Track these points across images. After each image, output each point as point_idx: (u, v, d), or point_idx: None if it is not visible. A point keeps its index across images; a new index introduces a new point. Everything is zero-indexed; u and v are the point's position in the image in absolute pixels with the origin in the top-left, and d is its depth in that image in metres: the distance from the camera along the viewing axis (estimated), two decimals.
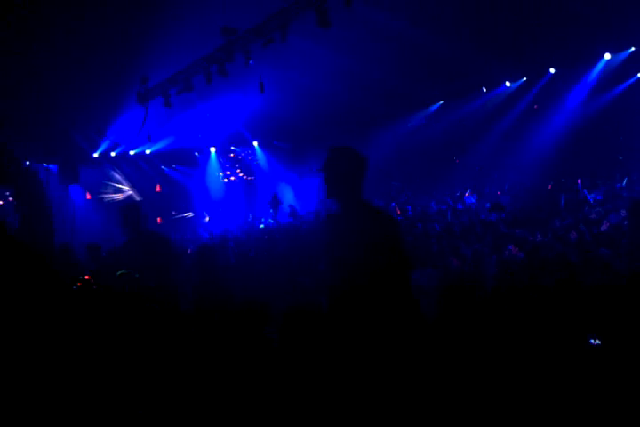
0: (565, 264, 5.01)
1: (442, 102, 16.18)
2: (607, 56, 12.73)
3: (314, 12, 6.85)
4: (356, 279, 3.24)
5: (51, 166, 14.88)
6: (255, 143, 18.33)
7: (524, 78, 14.41)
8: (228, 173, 18.54)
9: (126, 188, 16.81)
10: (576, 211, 8.78)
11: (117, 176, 16.64)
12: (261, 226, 15.19)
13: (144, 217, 5.05)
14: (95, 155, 15.22)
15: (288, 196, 18.24)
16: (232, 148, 18.42)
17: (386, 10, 9.49)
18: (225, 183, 18.47)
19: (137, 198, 16.10)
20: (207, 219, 16.64)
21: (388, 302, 3.23)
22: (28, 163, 14.64)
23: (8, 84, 9.97)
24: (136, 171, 16.86)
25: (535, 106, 14.86)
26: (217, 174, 18.45)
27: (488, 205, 11.86)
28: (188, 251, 10.59)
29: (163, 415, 2.92)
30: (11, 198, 7.09)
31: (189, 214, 16.80)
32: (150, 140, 12.08)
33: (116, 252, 5.62)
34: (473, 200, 12.90)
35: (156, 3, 8.40)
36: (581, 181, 11.10)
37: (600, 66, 13.17)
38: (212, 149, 18.10)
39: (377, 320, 3.28)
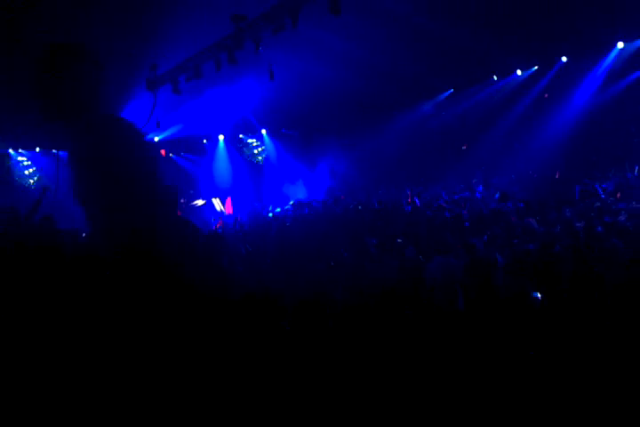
0: (578, 255, 4.99)
1: (452, 91, 16.04)
2: (620, 45, 12.54)
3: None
4: None
5: (61, 153, 14.90)
6: (263, 131, 18.28)
7: (536, 67, 14.24)
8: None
9: None
10: (588, 201, 8.71)
11: None
12: (270, 214, 15.20)
13: (177, 201, 5.02)
14: None
15: (297, 184, 18.21)
16: (240, 135, 18.37)
17: None
18: (232, 171, 18.43)
19: None
20: (218, 208, 16.63)
21: None
22: (38, 150, 14.75)
23: (17, 68, 9.97)
24: None
25: (546, 95, 14.69)
26: (225, 162, 18.41)
27: (497, 195, 11.81)
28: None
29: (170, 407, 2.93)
30: None
31: (201, 202, 16.79)
32: (159, 127, 12.07)
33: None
34: (480, 190, 12.81)
35: None
36: (592, 172, 11.03)
37: (613, 54, 12.99)
38: (221, 137, 18.07)
39: None
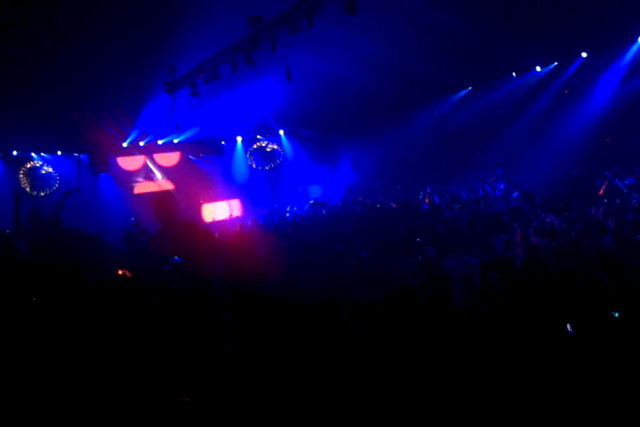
0: (600, 252, 4.92)
1: (470, 88, 15.91)
2: None
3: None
4: None
5: (82, 156, 15.13)
6: (281, 132, 18.33)
7: (556, 63, 14.06)
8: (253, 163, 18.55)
9: (159, 176, 17.00)
10: (611, 198, 8.58)
11: (148, 165, 16.85)
12: (287, 215, 15.25)
13: (177, 206, 5.10)
14: (124, 144, 15.43)
15: (314, 185, 18.25)
16: (258, 136, 18.44)
17: None
18: (250, 172, 18.51)
19: (169, 187, 16.27)
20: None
21: None
22: (59, 153, 14.97)
23: (39, 74, 10.15)
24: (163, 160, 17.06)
25: (566, 90, 14.50)
26: (243, 163, 18.51)
27: (516, 193, 11.70)
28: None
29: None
30: None
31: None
32: (178, 130, 12.18)
33: (152, 239, 5.70)
34: (501, 188, 12.70)
35: None
36: (614, 168, 10.85)
37: (634, 49, 12.76)
38: (239, 139, 18.17)
39: None
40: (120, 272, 4.68)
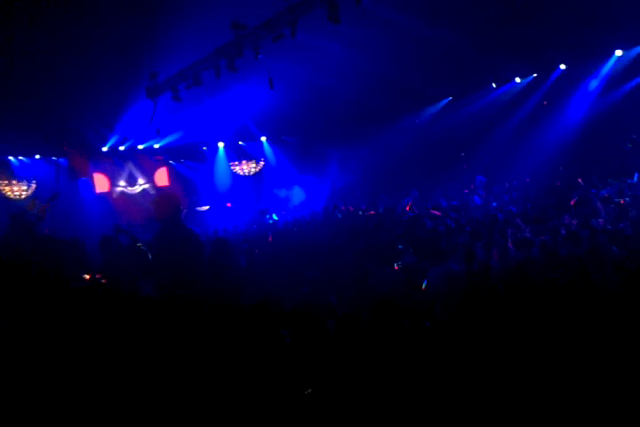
0: (577, 263, 4.99)
1: (450, 98, 16.10)
2: (618, 53, 12.60)
3: (324, 8, 6.84)
4: None
5: (60, 160, 14.95)
6: (263, 138, 18.33)
7: (535, 74, 14.30)
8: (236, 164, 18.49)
9: (141, 181, 16.87)
10: (586, 208, 8.73)
11: (131, 169, 16.71)
12: (270, 222, 15.20)
13: (180, 210, 5.03)
14: (104, 149, 15.28)
15: (297, 191, 18.24)
16: (240, 142, 18.42)
17: (395, 6, 9.44)
18: (232, 178, 18.47)
19: (151, 192, 16.16)
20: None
21: None
22: (38, 157, 14.76)
23: (18, 77, 10.02)
24: (144, 165, 16.94)
25: (544, 102, 14.75)
26: (225, 169, 18.46)
27: (495, 204, 11.85)
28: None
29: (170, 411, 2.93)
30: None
31: (206, 208, 16.84)
32: (159, 135, 12.11)
33: (150, 242, 5.63)
34: (478, 201, 12.79)
35: None
36: (588, 179, 11.07)
37: (611, 62, 13.04)
38: (221, 144, 18.12)
39: None
40: (87, 277, 4.57)
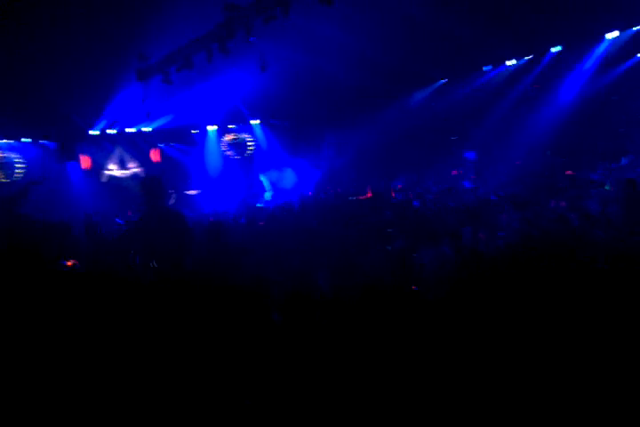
0: (563, 245, 5.05)
1: (444, 81, 16.03)
2: (611, 35, 12.55)
3: None
4: None
5: (48, 143, 14.77)
6: (254, 121, 18.21)
7: (528, 57, 14.24)
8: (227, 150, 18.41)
9: (131, 164, 16.74)
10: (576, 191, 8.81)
11: (121, 153, 16.57)
12: (258, 205, 15.20)
13: (165, 192, 5.04)
14: (92, 132, 15.11)
15: (288, 174, 18.17)
16: (230, 126, 18.29)
17: None
18: (223, 162, 18.37)
19: (141, 175, 16.05)
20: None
21: None
22: (24, 140, 14.57)
23: (4, 59, 9.85)
24: (134, 148, 16.80)
25: (536, 85, 14.72)
26: (215, 152, 18.34)
27: (482, 189, 11.91)
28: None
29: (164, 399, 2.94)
30: None
31: (196, 192, 16.78)
32: (149, 118, 12.00)
33: (134, 225, 5.62)
34: (468, 185, 12.85)
35: None
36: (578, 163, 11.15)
37: (605, 44, 13.00)
38: (210, 128, 17.99)
39: None
40: (69, 264, 4.55)
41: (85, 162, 15.71)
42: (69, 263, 4.62)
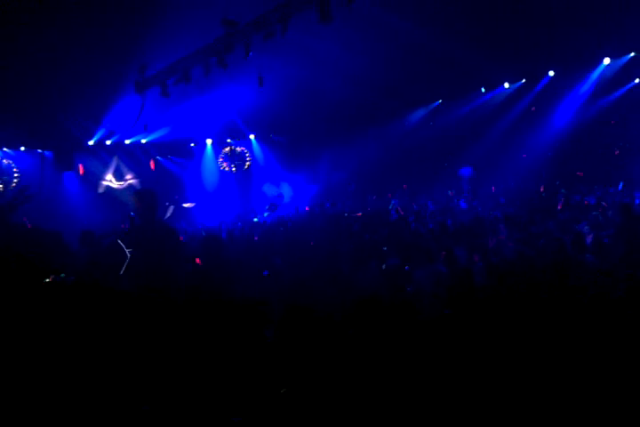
0: (558, 269, 5.04)
1: (440, 102, 16.17)
2: (607, 60, 12.73)
3: (315, 7, 6.81)
4: None
5: (45, 153, 14.76)
6: (252, 136, 18.27)
7: (523, 80, 14.41)
8: (224, 164, 18.40)
9: (128, 176, 16.73)
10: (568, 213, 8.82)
11: (118, 164, 16.56)
12: (255, 219, 15.16)
13: (159, 205, 5.04)
14: (90, 143, 15.12)
15: (285, 189, 18.19)
16: (228, 140, 18.34)
17: (387, 8, 9.45)
18: (220, 175, 18.37)
19: (137, 187, 16.03)
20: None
21: None
22: (23, 149, 14.56)
23: (4, 69, 9.88)
24: (131, 160, 16.81)
25: (533, 108, 14.87)
26: (212, 166, 18.36)
27: (480, 208, 11.91)
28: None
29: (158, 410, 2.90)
30: None
31: (191, 204, 16.75)
32: (147, 130, 12.01)
33: (124, 237, 5.58)
34: (464, 205, 12.84)
35: None
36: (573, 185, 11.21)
37: (599, 70, 13.18)
38: (209, 141, 18.03)
39: None
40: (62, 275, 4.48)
41: (81, 170, 15.72)
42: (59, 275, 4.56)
